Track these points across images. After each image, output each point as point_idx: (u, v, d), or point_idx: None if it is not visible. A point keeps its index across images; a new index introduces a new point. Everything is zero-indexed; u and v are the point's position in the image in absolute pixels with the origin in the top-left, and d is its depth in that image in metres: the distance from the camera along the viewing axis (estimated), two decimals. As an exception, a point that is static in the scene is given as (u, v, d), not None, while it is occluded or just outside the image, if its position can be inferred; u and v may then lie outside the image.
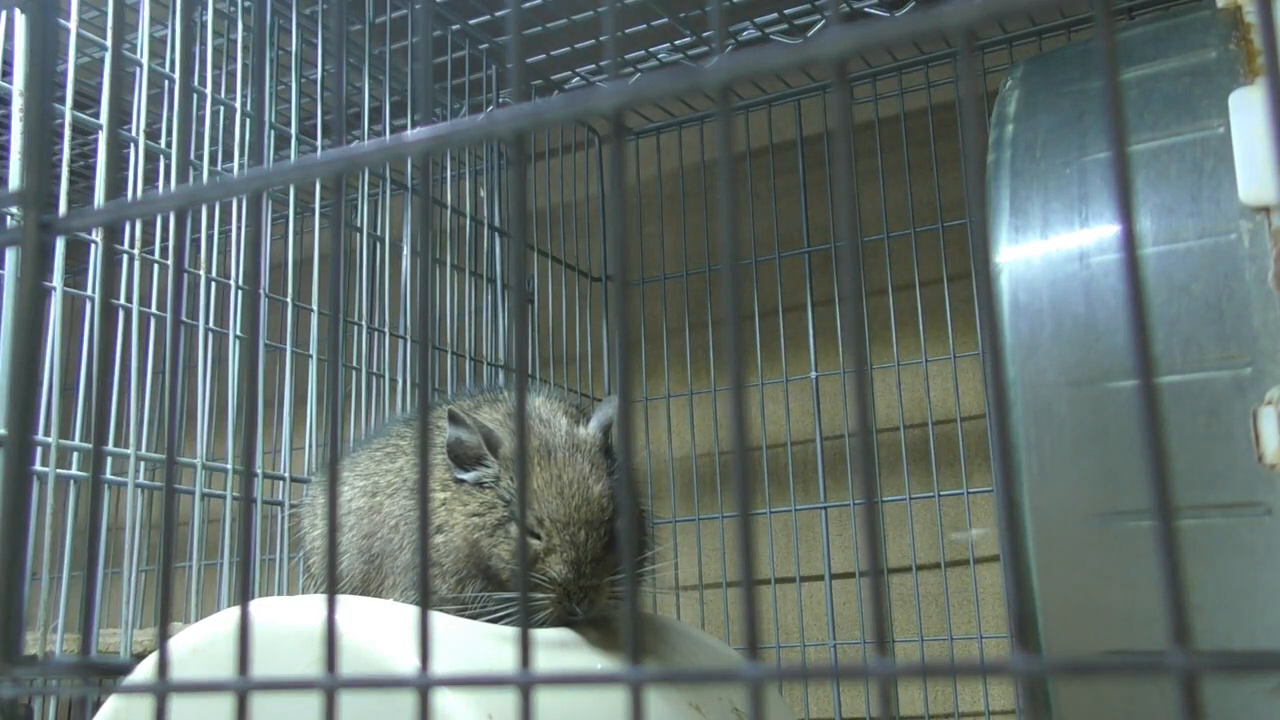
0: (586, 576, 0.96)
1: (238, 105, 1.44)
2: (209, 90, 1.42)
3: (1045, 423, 0.78)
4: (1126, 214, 0.29)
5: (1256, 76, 0.73)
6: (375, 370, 1.60)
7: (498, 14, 1.70)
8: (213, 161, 1.41)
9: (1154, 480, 0.28)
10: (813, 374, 1.80)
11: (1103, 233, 0.79)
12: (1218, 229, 0.72)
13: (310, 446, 1.54)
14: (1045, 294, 0.79)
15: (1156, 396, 0.28)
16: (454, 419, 1.01)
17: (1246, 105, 0.72)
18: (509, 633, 0.93)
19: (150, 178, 1.34)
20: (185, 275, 1.32)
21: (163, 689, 0.42)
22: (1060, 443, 0.77)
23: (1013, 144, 0.86)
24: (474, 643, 0.90)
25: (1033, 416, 0.78)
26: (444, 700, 0.76)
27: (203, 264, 1.37)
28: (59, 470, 1.16)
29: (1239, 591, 0.69)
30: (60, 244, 1.17)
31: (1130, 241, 0.29)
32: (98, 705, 0.90)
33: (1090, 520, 0.76)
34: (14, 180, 1.06)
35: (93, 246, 1.28)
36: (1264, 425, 0.68)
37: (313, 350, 1.51)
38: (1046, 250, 0.81)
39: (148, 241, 1.31)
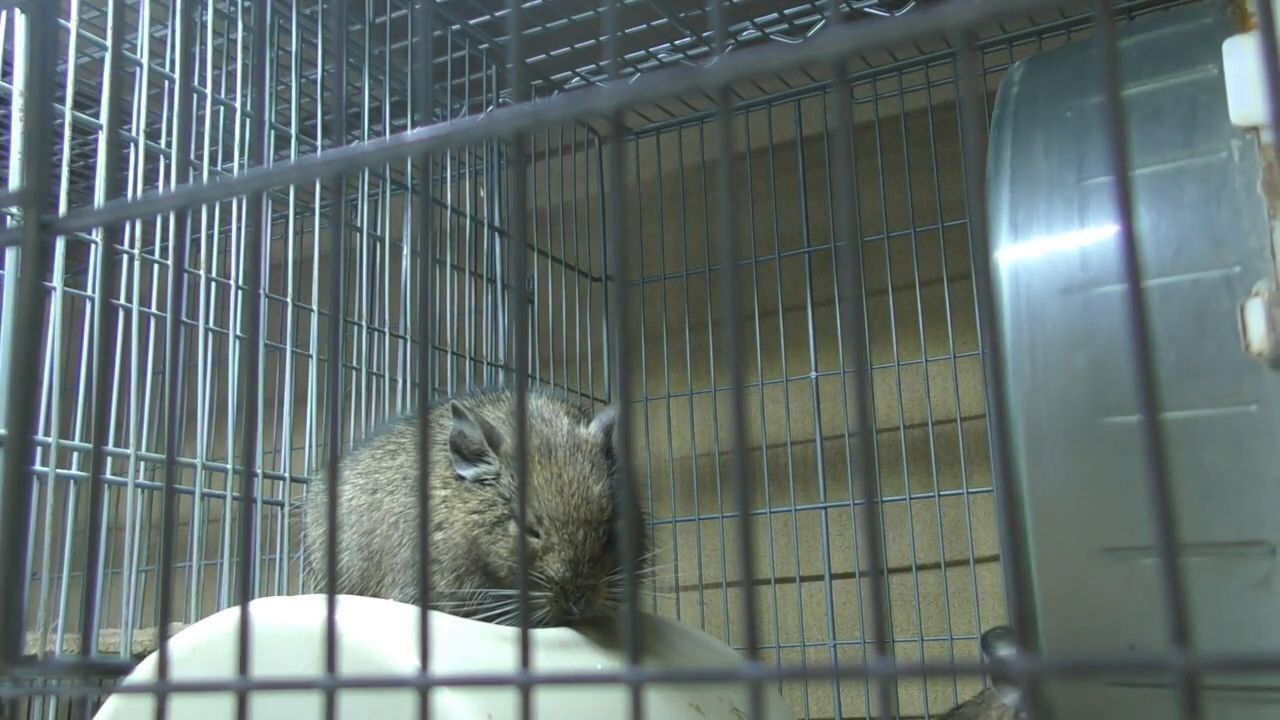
0: (584, 576, 0.96)
1: (238, 105, 1.44)
2: (209, 90, 1.42)
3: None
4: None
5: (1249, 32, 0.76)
6: (375, 370, 1.60)
7: (498, 14, 1.70)
8: (213, 161, 1.41)
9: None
10: (813, 374, 1.80)
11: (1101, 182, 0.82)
12: (1209, 150, 0.76)
13: (310, 446, 1.54)
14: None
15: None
16: (457, 413, 1.01)
17: (1239, 49, 0.76)
18: (509, 632, 0.93)
19: (150, 178, 1.34)
20: (185, 275, 1.32)
21: (163, 689, 0.42)
22: (1053, 347, 0.79)
23: (1019, 89, 0.90)
24: (474, 642, 0.90)
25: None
26: (444, 700, 0.76)
27: (203, 264, 1.37)
28: (59, 470, 1.16)
29: (1224, 480, 0.73)
30: (60, 244, 1.17)
31: (1129, 236, 0.29)
32: (98, 705, 0.90)
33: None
34: (14, 180, 1.06)
35: (93, 246, 1.28)
36: (1251, 316, 0.72)
37: (313, 350, 1.51)
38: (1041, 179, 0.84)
39: (148, 241, 1.31)
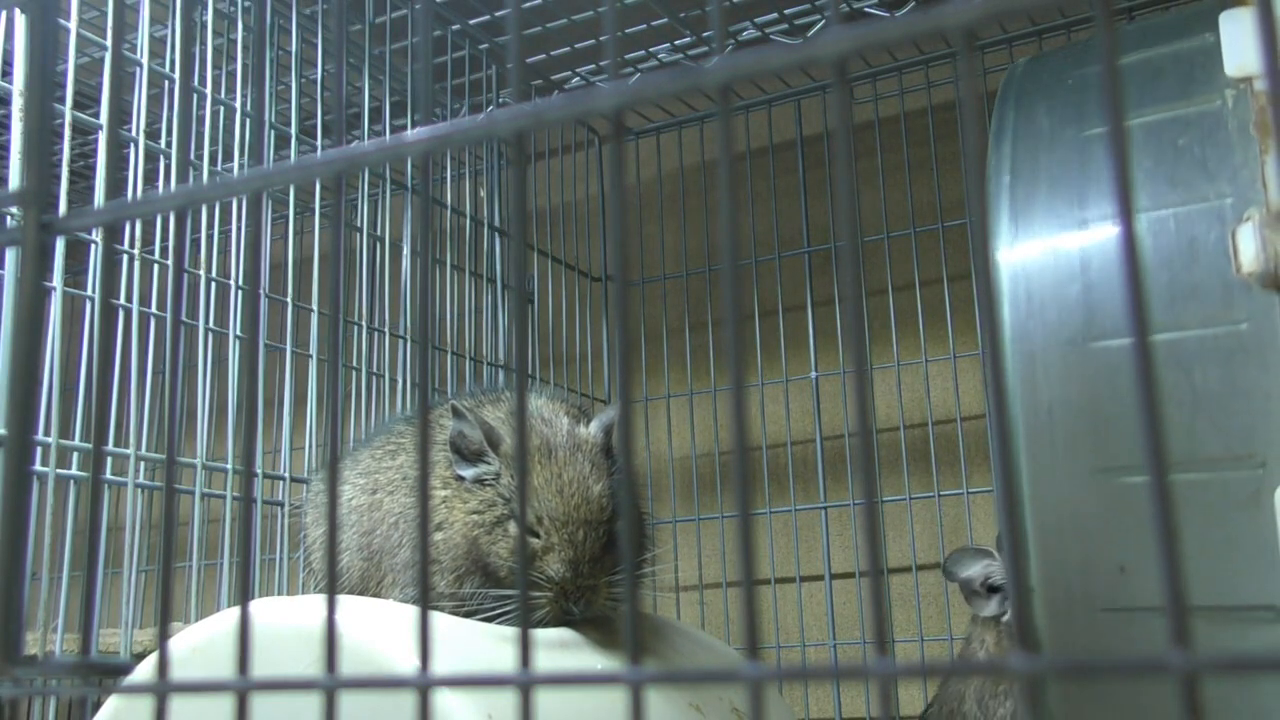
0: (584, 576, 0.96)
1: (238, 105, 1.44)
2: (209, 90, 1.42)
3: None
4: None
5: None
6: (375, 370, 1.60)
7: (498, 14, 1.70)
8: (213, 161, 1.41)
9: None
10: (813, 374, 1.80)
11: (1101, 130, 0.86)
12: (1205, 100, 0.81)
13: (310, 446, 1.54)
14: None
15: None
16: (456, 413, 1.01)
17: (1235, 15, 0.80)
18: (509, 632, 0.93)
19: (150, 178, 1.34)
20: (185, 275, 1.32)
21: (163, 689, 0.42)
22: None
23: (1024, 69, 0.94)
24: (474, 643, 0.90)
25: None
26: (444, 700, 0.76)
27: (203, 264, 1.37)
28: (59, 470, 1.16)
29: (1214, 397, 0.76)
30: (60, 244, 1.17)
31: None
32: (98, 705, 0.90)
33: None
34: (14, 180, 1.06)
35: (93, 246, 1.28)
36: (1242, 240, 0.75)
37: (313, 350, 1.51)
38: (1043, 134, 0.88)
39: (148, 241, 1.31)
